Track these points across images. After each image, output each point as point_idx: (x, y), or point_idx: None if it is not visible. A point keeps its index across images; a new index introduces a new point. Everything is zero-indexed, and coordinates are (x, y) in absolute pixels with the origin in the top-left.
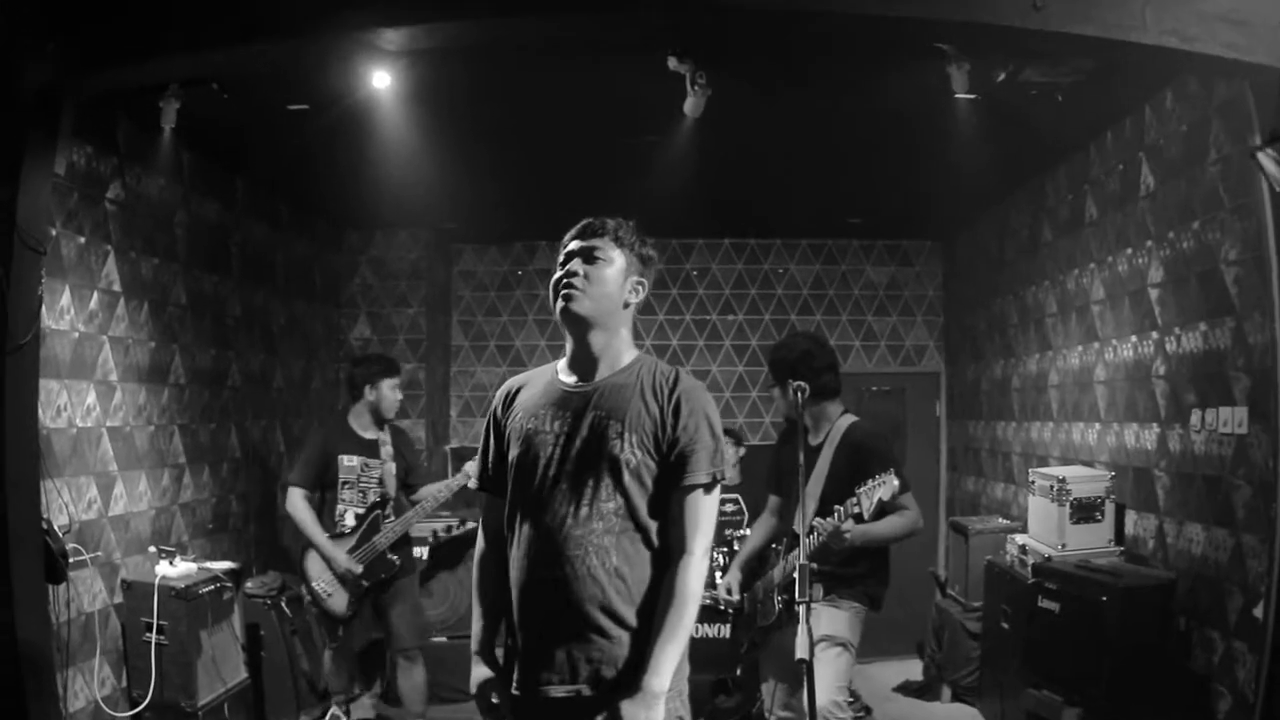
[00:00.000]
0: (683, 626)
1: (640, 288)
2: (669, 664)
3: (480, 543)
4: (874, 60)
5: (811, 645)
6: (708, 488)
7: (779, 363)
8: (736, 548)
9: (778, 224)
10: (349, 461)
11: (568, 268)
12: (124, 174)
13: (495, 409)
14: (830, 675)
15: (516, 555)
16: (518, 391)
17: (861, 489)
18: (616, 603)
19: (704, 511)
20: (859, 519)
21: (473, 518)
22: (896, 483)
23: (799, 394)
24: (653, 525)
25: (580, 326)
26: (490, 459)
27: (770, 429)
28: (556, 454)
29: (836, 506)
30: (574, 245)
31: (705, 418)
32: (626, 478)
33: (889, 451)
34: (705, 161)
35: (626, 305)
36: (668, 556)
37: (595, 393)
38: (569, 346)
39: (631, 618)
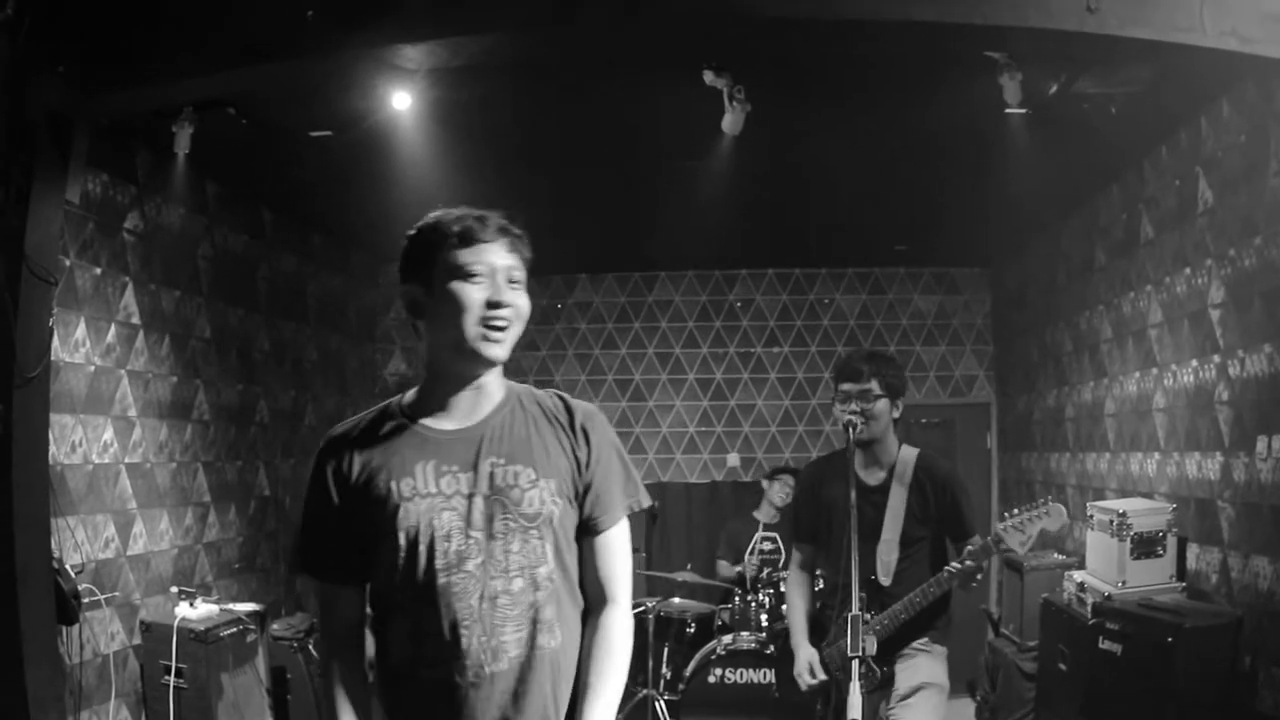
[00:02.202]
0: (614, 686)
1: None
2: None
3: (329, 652)
4: (922, 76)
5: (864, 696)
6: (622, 524)
7: (878, 366)
8: (783, 588)
9: (823, 253)
10: None
11: (500, 301)
12: (143, 203)
13: (326, 473)
14: None
15: (408, 657)
16: (353, 446)
17: (1011, 519)
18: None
19: (623, 551)
20: (1003, 555)
21: None
22: (1065, 513)
23: (850, 429)
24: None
25: (495, 366)
26: (329, 537)
27: None
28: (456, 522)
29: (969, 546)
30: (497, 259)
31: (611, 443)
32: (555, 533)
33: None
34: (748, 188)
35: None
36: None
37: (483, 436)
38: (439, 388)
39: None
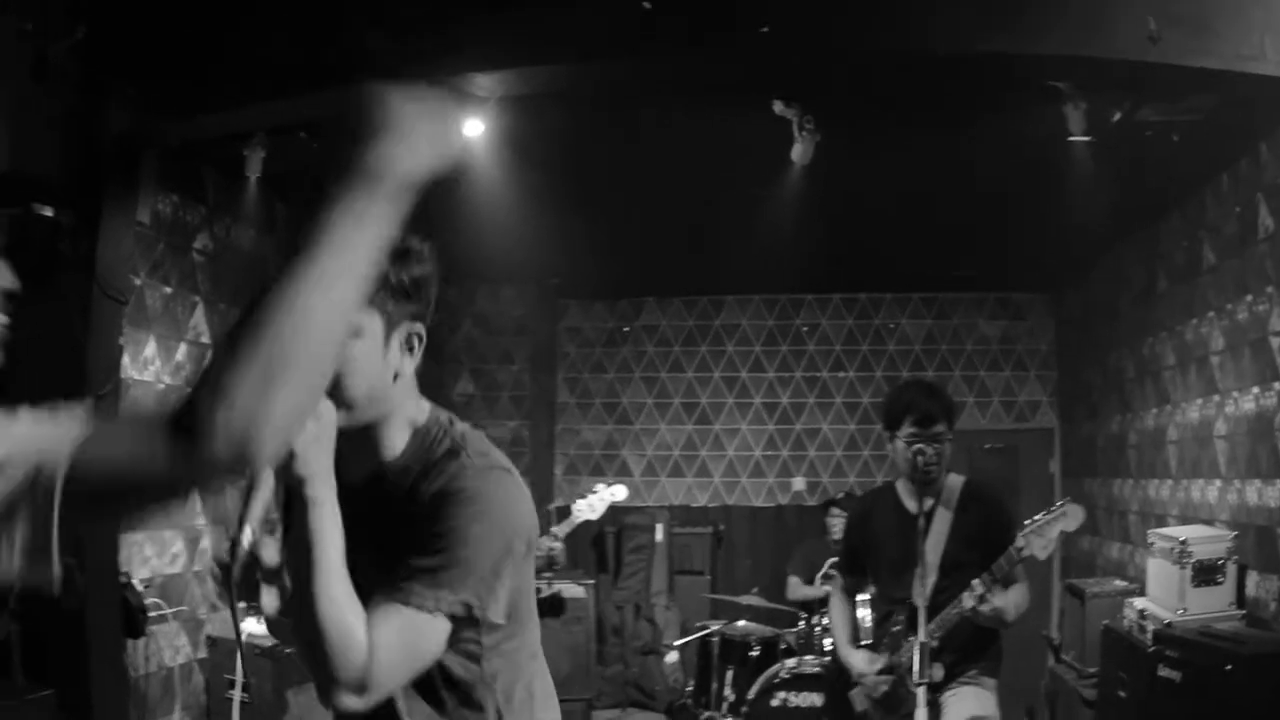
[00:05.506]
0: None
1: (414, 341)
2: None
3: None
4: (986, 103)
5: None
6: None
7: (949, 407)
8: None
9: (888, 278)
10: None
11: None
12: (212, 224)
13: None
14: None
15: None
16: None
17: (1031, 526)
18: None
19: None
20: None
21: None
22: (1082, 511)
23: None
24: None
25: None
26: None
27: None
28: None
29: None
30: None
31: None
32: None
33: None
34: (813, 213)
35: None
36: None
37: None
38: None
39: None
